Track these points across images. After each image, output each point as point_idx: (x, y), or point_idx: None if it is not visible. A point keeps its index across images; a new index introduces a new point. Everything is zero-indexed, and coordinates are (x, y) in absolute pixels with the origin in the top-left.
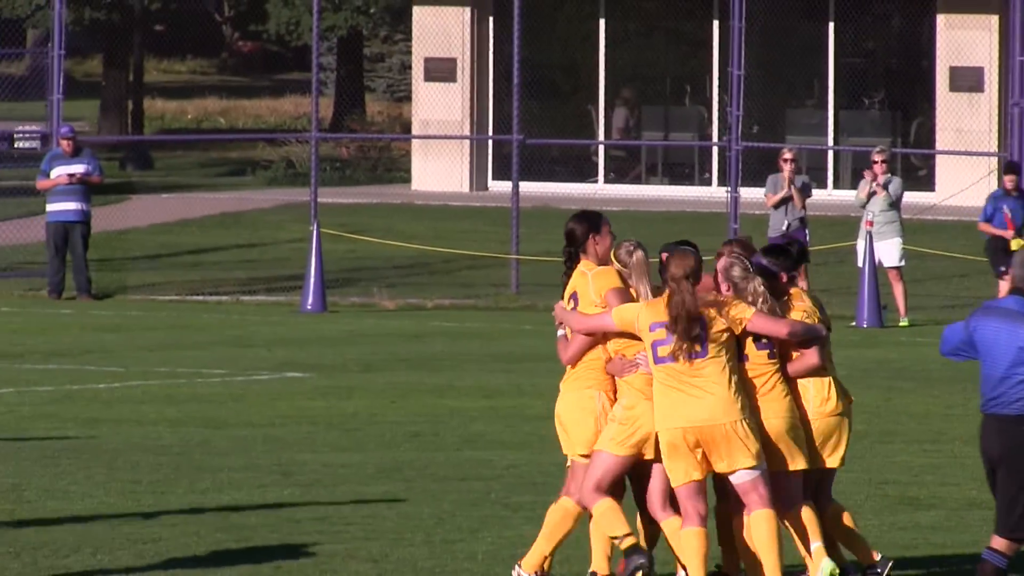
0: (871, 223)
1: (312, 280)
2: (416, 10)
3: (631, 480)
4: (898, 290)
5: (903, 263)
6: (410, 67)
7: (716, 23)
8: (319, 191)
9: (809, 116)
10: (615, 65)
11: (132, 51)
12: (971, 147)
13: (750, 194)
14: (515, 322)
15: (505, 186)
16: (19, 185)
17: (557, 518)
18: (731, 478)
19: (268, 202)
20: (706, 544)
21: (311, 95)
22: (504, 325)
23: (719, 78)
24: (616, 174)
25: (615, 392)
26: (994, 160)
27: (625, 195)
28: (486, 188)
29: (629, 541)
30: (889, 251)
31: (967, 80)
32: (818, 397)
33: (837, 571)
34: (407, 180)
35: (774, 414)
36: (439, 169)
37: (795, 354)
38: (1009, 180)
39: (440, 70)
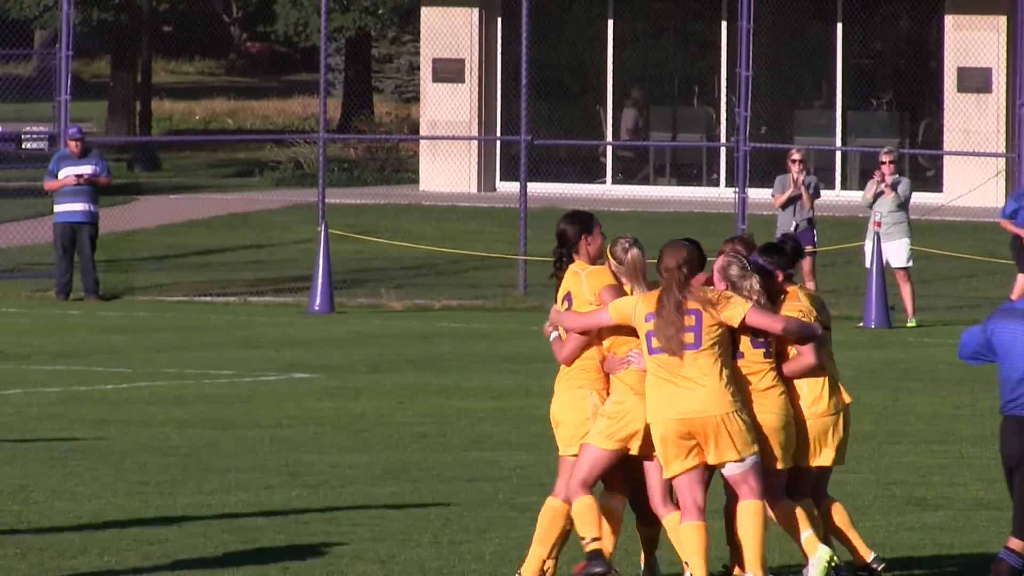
0: (879, 224)
1: (320, 281)
2: (424, 11)
3: (627, 483)
4: (906, 291)
5: (911, 264)
6: (418, 68)
7: (724, 24)
8: (327, 192)
9: (817, 117)
10: (623, 66)
11: (140, 52)
12: (979, 148)
13: (758, 195)
14: (523, 323)
15: (513, 187)
16: (27, 186)
17: (547, 520)
18: (723, 470)
19: (276, 203)
20: (706, 538)
21: (319, 96)
22: (512, 326)
23: (727, 79)
24: (624, 175)
25: (608, 391)
26: (1002, 161)
27: (633, 196)
28: (494, 189)
29: (594, 546)
30: (897, 252)
31: (975, 81)
32: (811, 396)
33: (835, 558)
34: (415, 181)
35: (767, 411)
36: (447, 170)
37: (792, 353)
38: None
39: (448, 71)
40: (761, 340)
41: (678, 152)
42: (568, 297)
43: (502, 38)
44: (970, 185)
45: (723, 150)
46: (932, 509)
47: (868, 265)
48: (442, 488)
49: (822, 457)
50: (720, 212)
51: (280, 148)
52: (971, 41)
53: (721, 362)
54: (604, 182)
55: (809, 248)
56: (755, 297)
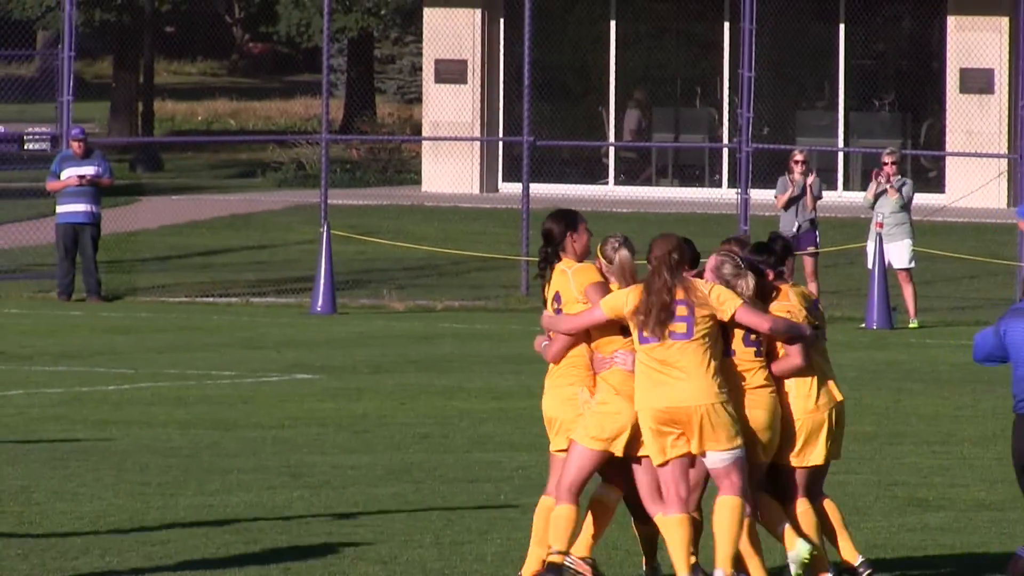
0: (881, 224)
1: (322, 282)
2: (427, 12)
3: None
4: (908, 292)
5: (913, 265)
6: (420, 69)
7: (727, 25)
8: (329, 193)
9: (819, 118)
10: (626, 67)
11: (142, 53)
12: (981, 149)
13: (760, 196)
14: (525, 324)
15: (515, 188)
16: (29, 187)
17: (543, 519)
18: (706, 462)
19: (278, 204)
20: (689, 531)
21: (321, 97)
22: (514, 327)
23: (730, 80)
24: (627, 176)
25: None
26: (1004, 162)
27: (635, 197)
28: (496, 190)
29: (556, 559)
30: (899, 253)
31: (977, 82)
32: (800, 395)
33: (812, 552)
34: (417, 182)
35: (758, 408)
36: (449, 171)
37: (781, 353)
38: None
39: (451, 72)
40: (753, 339)
41: (680, 153)
42: (557, 297)
43: (504, 39)
44: (972, 186)
45: (725, 151)
46: (934, 510)
47: (870, 266)
48: (444, 489)
49: (813, 456)
50: (722, 213)
51: (282, 149)
52: (973, 42)
53: (710, 354)
54: (606, 183)
55: (811, 249)
56: (747, 298)
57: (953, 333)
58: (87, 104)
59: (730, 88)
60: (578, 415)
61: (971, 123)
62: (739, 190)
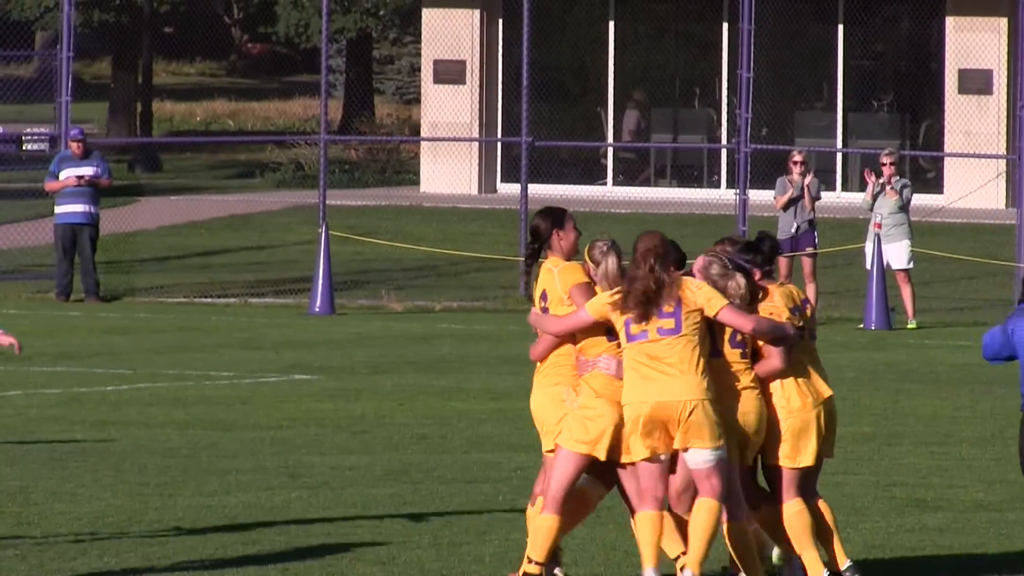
0: (879, 225)
1: (320, 282)
2: (425, 12)
3: (618, 486)
4: (906, 292)
5: (911, 265)
6: (419, 69)
7: (725, 26)
8: (328, 193)
9: (818, 118)
10: (624, 67)
11: (141, 53)
12: (980, 149)
13: (759, 196)
14: (523, 324)
15: (514, 188)
16: (27, 187)
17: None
18: (688, 461)
19: (276, 204)
20: (660, 528)
21: (320, 97)
22: (512, 327)
23: (728, 80)
24: (625, 176)
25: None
26: (1002, 163)
27: (634, 197)
28: (495, 190)
29: (533, 570)
30: (897, 253)
31: (976, 82)
32: (785, 396)
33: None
34: (416, 182)
35: (744, 410)
36: (448, 171)
37: (765, 354)
38: None
39: (449, 72)
40: (739, 339)
41: (679, 154)
42: (543, 295)
43: (503, 39)
44: (971, 187)
45: (724, 152)
46: (932, 511)
47: (868, 267)
48: (442, 490)
49: (804, 456)
50: (721, 214)
51: (281, 149)
52: (972, 43)
53: (699, 351)
54: (605, 183)
55: (810, 250)
56: (738, 297)
57: (951, 334)
58: (86, 105)
59: (729, 89)
60: (562, 417)
61: (970, 124)
62: (737, 191)
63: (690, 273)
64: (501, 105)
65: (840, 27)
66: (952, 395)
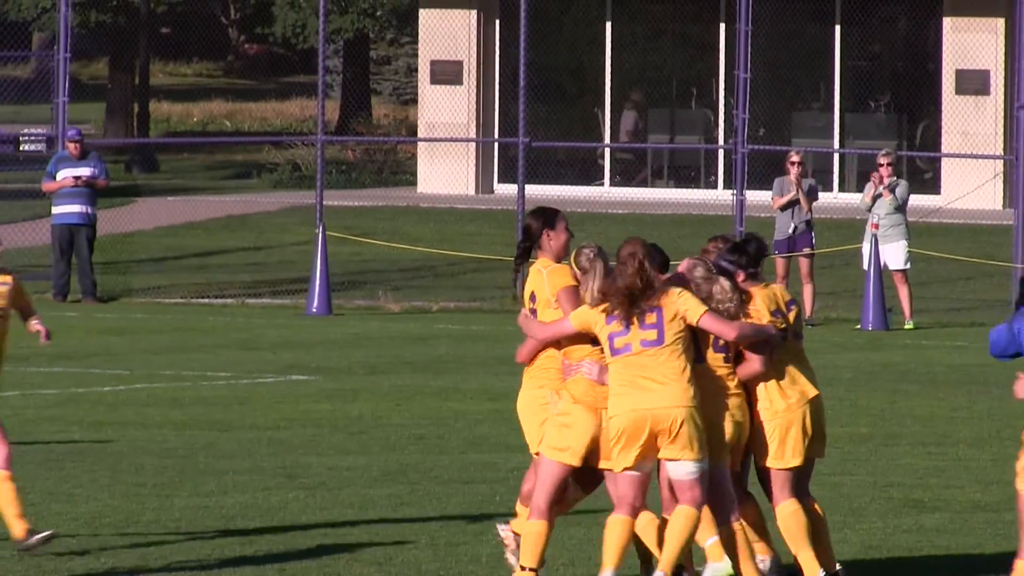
0: (876, 226)
1: (317, 283)
2: (422, 13)
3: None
4: (903, 293)
5: (908, 266)
6: (416, 70)
7: (722, 26)
8: (325, 194)
9: (815, 119)
10: (621, 68)
11: (138, 54)
12: (977, 150)
13: (756, 197)
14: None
15: (511, 189)
16: (25, 188)
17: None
18: (671, 471)
19: (274, 205)
20: (629, 536)
21: (317, 98)
22: (509, 328)
23: (725, 81)
24: (622, 177)
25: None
26: (1000, 163)
27: (631, 198)
28: (492, 191)
29: None
30: (894, 254)
31: (973, 83)
32: (768, 398)
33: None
34: (413, 183)
35: (728, 415)
36: (445, 172)
37: (746, 357)
38: None
39: (446, 73)
40: (722, 344)
41: (676, 154)
42: (532, 296)
43: (500, 40)
44: (968, 187)
45: (721, 152)
46: (929, 511)
47: (866, 267)
48: (439, 490)
49: (790, 457)
50: (718, 214)
51: (278, 150)
52: (969, 43)
53: (684, 360)
54: (602, 184)
55: (807, 250)
56: (726, 296)
57: (949, 334)
58: (83, 105)
59: (726, 89)
60: (543, 421)
61: (967, 124)
62: (735, 191)
63: (679, 279)
64: (498, 105)
65: (837, 28)
66: (949, 396)
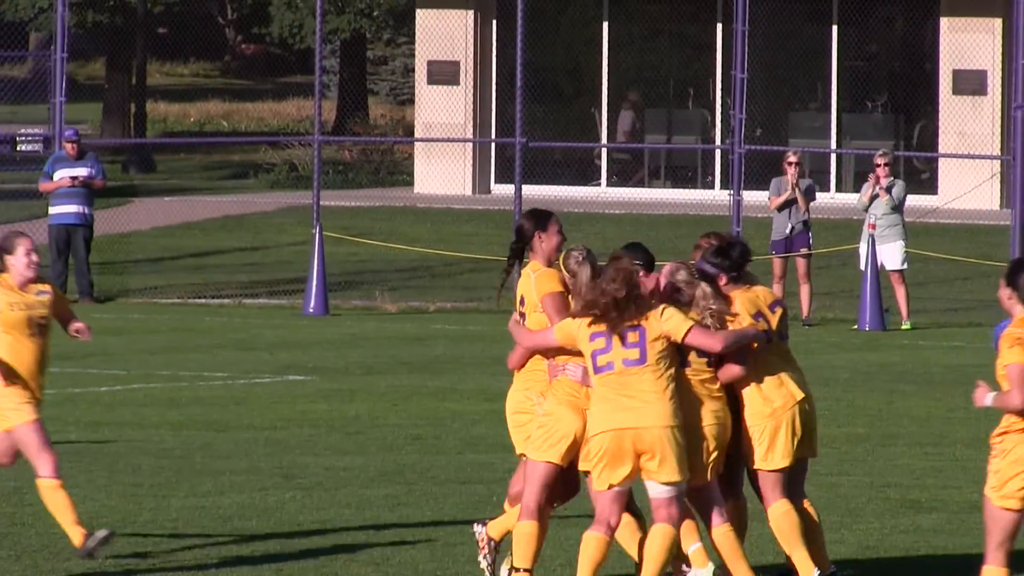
0: (873, 226)
1: (314, 283)
2: (419, 13)
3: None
4: (900, 293)
5: (905, 266)
6: (413, 70)
7: (719, 26)
8: (321, 194)
9: (812, 119)
10: (618, 68)
11: (135, 54)
12: (974, 150)
13: (753, 197)
14: None
15: (508, 189)
16: (22, 188)
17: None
18: (649, 489)
19: (270, 205)
20: (604, 554)
21: (314, 98)
22: (506, 328)
23: (722, 81)
24: (619, 177)
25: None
26: (997, 163)
27: (628, 198)
28: (489, 191)
29: None
30: (891, 254)
31: (970, 83)
32: (754, 401)
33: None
34: (410, 183)
35: (708, 416)
36: (442, 172)
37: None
38: None
39: (443, 73)
40: None
41: (673, 154)
42: (522, 300)
43: (497, 40)
44: (965, 188)
45: (718, 152)
46: (926, 512)
47: (863, 267)
48: (436, 490)
49: (778, 458)
50: (715, 214)
51: (275, 150)
52: (966, 43)
53: (667, 377)
54: (599, 184)
55: (804, 250)
56: (708, 301)
57: (946, 335)
58: (80, 105)
59: (723, 89)
60: (525, 423)
61: (964, 125)
62: (732, 191)
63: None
64: (495, 106)
65: (834, 28)
66: (946, 396)
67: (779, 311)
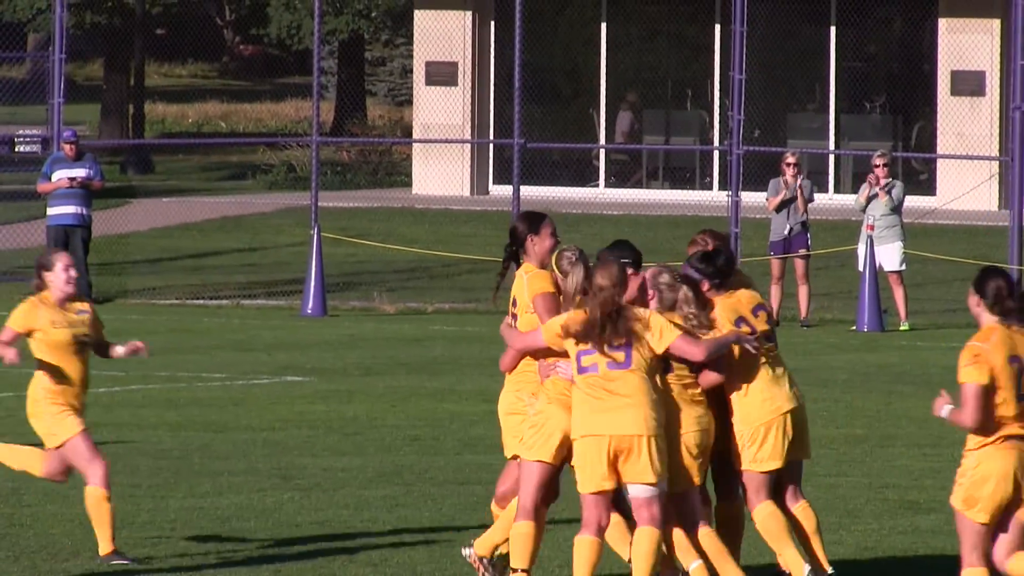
0: (872, 227)
1: (312, 284)
2: (417, 14)
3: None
4: (899, 294)
5: (904, 267)
6: (411, 71)
7: (718, 27)
8: (320, 195)
9: (810, 120)
10: (616, 69)
11: (133, 55)
12: (972, 151)
13: (751, 198)
14: None
15: (506, 190)
16: (20, 189)
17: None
18: (629, 490)
19: (269, 206)
20: (597, 556)
21: (312, 99)
22: None
23: (720, 82)
24: (617, 178)
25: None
26: (995, 164)
27: (626, 199)
28: (487, 192)
29: None
30: (890, 255)
31: (968, 84)
32: (743, 403)
33: None
34: (408, 184)
35: (689, 421)
36: (440, 173)
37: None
38: None
39: (441, 74)
40: None
41: (671, 155)
42: (514, 301)
43: (495, 41)
44: (963, 188)
45: (716, 153)
46: (925, 513)
47: (861, 268)
48: (435, 491)
49: (766, 460)
50: (713, 215)
51: (273, 151)
52: (965, 44)
53: (650, 383)
54: (597, 185)
55: (802, 251)
56: (688, 305)
57: (944, 335)
58: (78, 106)
59: (721, 90)
60: (520, 422)
61: (962, 125)
62: (730, 192)
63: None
64: (493, 107)
65: (832, 29)
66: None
67: (763, 314)
